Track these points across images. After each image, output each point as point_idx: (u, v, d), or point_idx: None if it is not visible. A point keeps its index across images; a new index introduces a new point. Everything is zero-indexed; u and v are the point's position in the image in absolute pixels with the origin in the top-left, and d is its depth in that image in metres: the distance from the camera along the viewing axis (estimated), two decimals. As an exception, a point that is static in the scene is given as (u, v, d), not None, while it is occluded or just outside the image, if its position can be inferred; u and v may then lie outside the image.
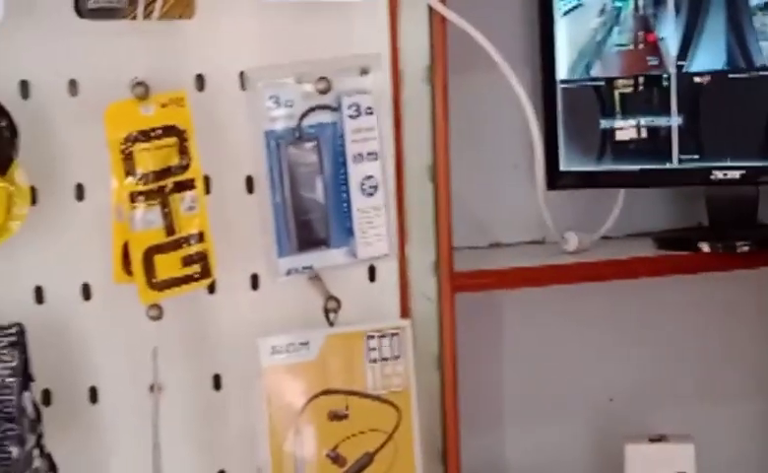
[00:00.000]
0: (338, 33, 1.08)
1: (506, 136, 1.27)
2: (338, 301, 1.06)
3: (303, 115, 1.04)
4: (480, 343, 1.28)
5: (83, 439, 1.08)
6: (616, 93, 1.23)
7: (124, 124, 0.98)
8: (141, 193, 0.99)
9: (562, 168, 1.25)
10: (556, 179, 1.24)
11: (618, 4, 1.22)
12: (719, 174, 1.19)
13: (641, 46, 1.21)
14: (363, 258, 1.07)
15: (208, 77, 1.07)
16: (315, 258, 1.06)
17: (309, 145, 1.04)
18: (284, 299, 1.10)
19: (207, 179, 1.05)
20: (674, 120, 1.21)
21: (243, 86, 1.07)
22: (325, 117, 1.05)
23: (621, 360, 1.36)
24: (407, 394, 1.08)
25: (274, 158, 1.04)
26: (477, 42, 1.10)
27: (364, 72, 1.06)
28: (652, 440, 1.22)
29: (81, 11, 0.96)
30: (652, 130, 1.22)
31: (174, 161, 1.00)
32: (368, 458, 1.06)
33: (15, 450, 0.97)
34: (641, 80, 1.22)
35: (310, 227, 1.05)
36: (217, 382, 1.11)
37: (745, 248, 1.17)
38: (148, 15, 0.96)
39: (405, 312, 1.14)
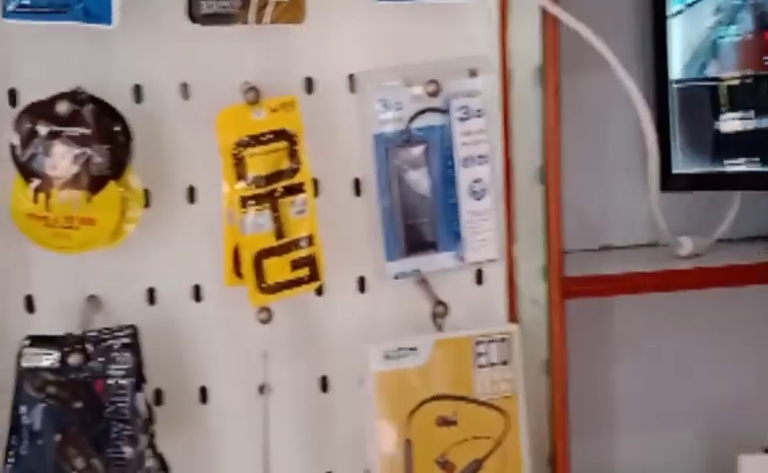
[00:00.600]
0: (447, 34, 1.07)
1: (618, 138, 1.25)
2: (446, 305, 1.05)
3: (412, 118, 1.03)
4: (588, 346, 1.25)
5: (193, 439, 1.09)
6: (732, 92, 1.19)
7: (235, 129, 0.99)
8: (251, 197, 1.00)
9: (675, 170, 1.22)
10: (669, 182, 1.21)
11: (736, 2, 1.18)
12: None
13: (759, 44, 1.17)
14: (472, 262, 1.06)
15: (317, 80, 1.07)
16: (423, 262, 1.06)
17: (418, 148, 1.04)
18: (390, 302, 1.10)
19: (315, 182, 1.05)
20: (794, 120, 1.17)
21: (352, 88, 1.07)
22: (434, 120, 1.04)
23: (734, 367, 1.32)
24: (515, 400, 1.06)
25: (382, 161, 1.03)
26: (587, 42, 1.08)
27: (473, 74, 1.05)
28: (767, 452, 1.18)
29: (194, 16, 0.97)
30: (769, 130, 1.19)
31: (284, 165, 1.00)
32: (477, 465, 1.05)
33: (128, 450, 0.99)
34: (758, 78, 1.18)
35: (418, 230, 1.05)
36: (324, 384, 1.11)
37: None
38: (259, 20, 0.96)
39: (512, 317, 1.13)
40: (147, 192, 1.04)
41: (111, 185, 0.99)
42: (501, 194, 1.07)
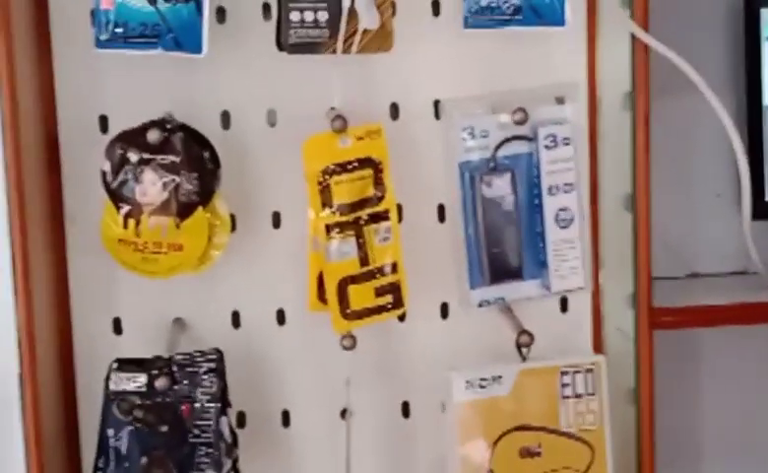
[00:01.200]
0: (534, 61, 1.07)
1: (709, 163, 1.22)
2: (531, 335, 1.03)
3: (498, 146, 1.03)
4: (676, 377, 1.23)
5: (275, 463, 1.10)
6: (829, 117, 1.16)
7: (322, 157, 0.99)
8: (336, 224, 0.99)
9: (768, 197, 1.20)
10: (762, 209, 1.18)
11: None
12: None
13: None
14: (557, 291, 1.04)
15: (402, 106, 1.07)
16: (508, 290, 1.05)
17: (504, 176, 1.02)
18: (473, 329, 1.09)
19: (398, 207, 1.04)
20: None
21: (438, 115, 1.07)
22: (520, 148, 1.03)
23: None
24: (601, 432, 1.04)
25: (467, 189, 1.03)
26: (677, 67, 1.06)
27: (561, 101, 1.04)
28: None
29: (282, 45, 0.97)
30: None
31: (369, 192, 1.00)
32: (561, 497, 1.04)
33: (212, 474, 1.00)
34: None
35: (503, 258, 1.04)
36: (406, 410, 1.11)
37: None
38: (347, 48, 0.96)
39: (597, 346, 1.11)
40: (233, 217, 1.05)
41: (199, 212, 1.00)
42: (588, 222, 1.06)
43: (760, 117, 1.19)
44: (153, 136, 0.98)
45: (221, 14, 1.04)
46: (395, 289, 1.02)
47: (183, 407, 1.00)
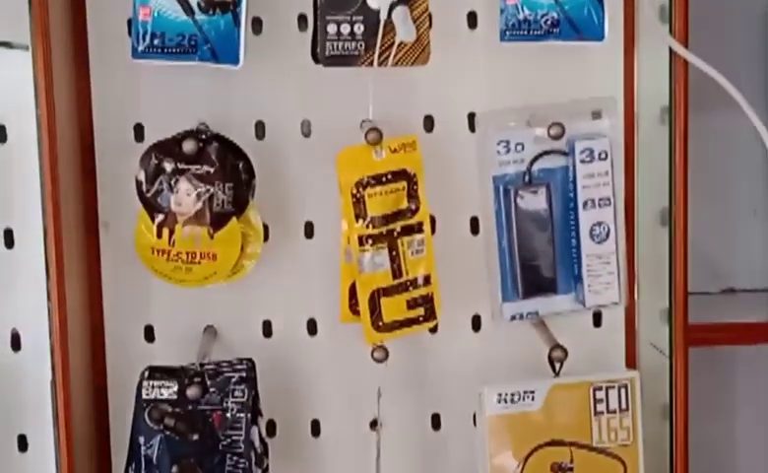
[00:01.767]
0: (570, 75, 1.06)
1: (745, 179, 1.21)
2: (565, 350, 1.03)
3: (534, 160, 1.02)
4: (709, 394, 1.22)
5: (304, 472, 1.10)
6: None
7: (356, 169, 0.98)
8: (370, 236, 0.99)
9: (805, 213, 1.18)
10: (798, 225, 1.18)
11: None
12: None
13: None
14: (592, 306, 1.03)
15: (437, 118, 1.07)
16: (541, 304, 1.04)
17: (538, 190, 1.02)
18: (505, 343, 1.09)
19: (432, 220, 1.04)
20: None
21: (472, 128, 1.06)
22: (556, 162, 1.02)
23: None
24: (634, 448, 1.03)
25: (502, 202, 1.02)
26: (715, 81, 1.05)
27: (597, 115, 1.03)
28: None
29: (318, 57, 0.97)
30: None
31: (403, 205, 1.00)
32: (592, 513, 1.03)
33: (242, 484, 1.00)
34: None
35: (537, 272, 1.03)
36: (435, 422, 1.11)
37: None
38: (383, 61, 0.96)
39: (630, 361, 1.10)
40: (265, 227, 1.05)
41: (233, 222, 1.00)
42: (623, 237, 1.05)
43: (798, 133, 1.18)
44: (188, 146, 0.98)
45: (257, 25, 1.04)
46: (427, 301, 1.02)
47: (214, 416, 1.00)
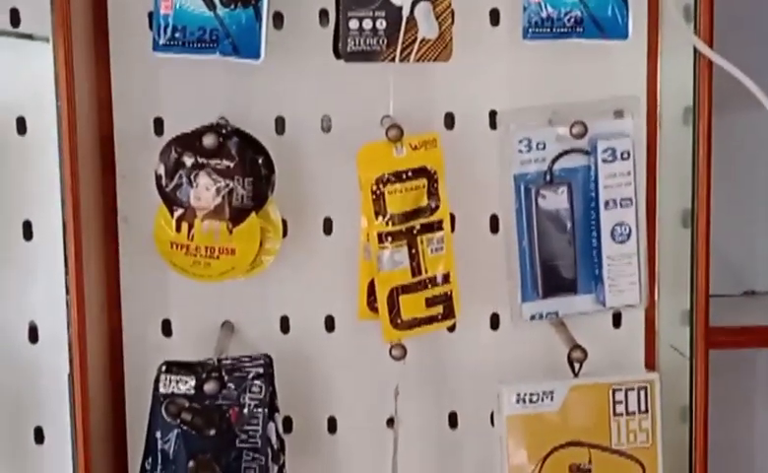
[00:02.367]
0: (593, 74, 1.05)
1: (767, 181, 1.20)
2: (584, 351, 1.02)
3: (555, 159, 1.01)
4: (728, 397, 1.21)
5: (320, 469, 1.10)
6: None
7: (377, 165, 0.98)
8: (389, 234, 0.98)
9: (827, 215, 1.17)
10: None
11: None
12: None
13: None
14: (612, 307, 1.03)
15: (458, 116, 1.06)
16: (561, 304, 1.03)
17: (560, 189, 1.01)
18: (523, 342, 1.08)
19: (451, 218, 1.03)
20: None
21: (493, 126, 1.06)
22: (578, 161, 1.01)
23: None
24: (653, 450, 1.02)
25: (522, 201, 1.01)
26: (737, 81, 1.04)
27: (619, 115, 1.02)
28: None
29: (340, 53, 0.96)
30: None
31: (423, 202, 0.99)
32: (610, 515, 1.03)
33: (258, 480, 1.00)
34: None
35: (557, 272, 1.02)
36: (453, 421, 1.10)
37: None
38: (405, 57, 0.95)
39: (650, 363, 1.09)
40: (284, 222, 1.04)
41: (253, 217, 1.00)
42: (645, 238, 1.04)
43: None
44: (209, 141, 0.98)
45: (278, 19, 1.03)
46: (446, 299, 1.01)
47: (231, 411, 1.00)
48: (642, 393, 1.03)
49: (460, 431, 1.10)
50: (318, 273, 1.07)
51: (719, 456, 1.12)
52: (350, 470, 1.10)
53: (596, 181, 1.01)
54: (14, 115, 1.03)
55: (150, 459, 1.00)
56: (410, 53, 0.96)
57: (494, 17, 1.06)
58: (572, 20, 0.98)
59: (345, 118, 1.05)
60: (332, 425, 1.10)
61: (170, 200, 0.99)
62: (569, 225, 1.02)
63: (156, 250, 1.01)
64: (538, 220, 1.02)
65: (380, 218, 0.99)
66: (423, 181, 0.99)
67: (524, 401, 1.01)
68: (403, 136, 0.98)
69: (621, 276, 1.02)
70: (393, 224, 0.99)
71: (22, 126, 1.03)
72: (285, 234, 1.05)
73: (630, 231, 1.02)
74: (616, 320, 1.10)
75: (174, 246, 1.00)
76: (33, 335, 1.04)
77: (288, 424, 1.08)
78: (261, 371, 1.01)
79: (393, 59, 0.96)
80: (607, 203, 1.01)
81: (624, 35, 0.99)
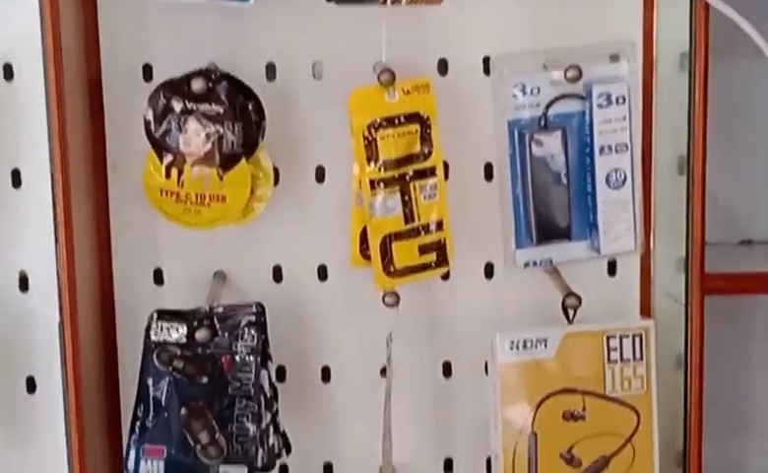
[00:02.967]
0: (588, 18, 1.03)
1: (764, 129, 1.19)
2: (579, 298, 1.01)
3: (550, 104, 1.00)
4: (723, 344, 1.21)
5: (314, 417, 1.09)
6: None
7: (368, 110, 0.97)
8: (381, 180, 0.97)
9: (825, 163, 1.16)
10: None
11: None
12: None
13: None
14: (607, 254, 1.02)
15: (451, 61, 1.04)
16: (555, 251, 1.02)
17: (554, 135, 1.00)
18: (518, 290, 1.07)
19: (445, 165, 1.02)
20: None
21: (487, 71, 1.04)
22: (572, 106, 1.00)
23: None
24: (647, 397, 1.02)
25: (516, 147, 1.00)
26: (737, 28, 1.03)
27: (615, 59, 1.01)
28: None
29: (332, -3, 0.95)
30: None
31: (416, 148, 0.98)
32: (604, 461, 1.02)
33: (251, 427, 0.99)
34: None
35: (551, 219, 1.01)
36: (446, 369, 1.10)
37: None
38: (396, 1, 0.94)
39: (645, 310, 1.09)
40: (276, 170, 1.03)
41: (243, 163, 0.98)
42: (640, 184, 1.03)
43: (821, 80, 1.16)
44: (197, 85, 0.96)
45: (268, -38, 1.02)
46: (439, 247, 1.00)
47: (223, 359, 1.00)
48: (637, 340, 1.02)
49: (454, 379, 1.10)
50: (311, 221, 1.07)
51: (714, 403, 1.12)
52: (343, 418, 1.09)
53: (591, 127, 0.99)
54: (0, 62, 1.02)
55: (142, 407, 0.99)
56: (402, -3, 0.95)
57: (488, -40, 1.05)
58: (567, -39, 0.97)
59: (336, 64, 1.04)
60: (325, 374, 1.09)
61: (160, 146, 0.98)
62: (564, 171, 1.01)
63: (146, 198, 1.00)
64: (532, 166, 1.00)
65: (372, 164, 0.98)
66: (416, 127, 0.98)
67: (518, 348, 1.01)
68: (395, 81, 0.97)
69: (617, 222, 1.01)
70: (385, 169, 0.98)
71: (8, 72, 1.01)
72: (276, 182, 1.04)
73: (625, 177, 1.01)
74: (611, 268, 1.09)
75: (164, 193, 0.99)
76: (24, 284, 1.03)
77: (281, 373, 1.08)
78: (253, 318, 1.01)
79: (384, 2, 0.94)
80: (602, 149, 1.00)
81: (620, -23, 0.98)
